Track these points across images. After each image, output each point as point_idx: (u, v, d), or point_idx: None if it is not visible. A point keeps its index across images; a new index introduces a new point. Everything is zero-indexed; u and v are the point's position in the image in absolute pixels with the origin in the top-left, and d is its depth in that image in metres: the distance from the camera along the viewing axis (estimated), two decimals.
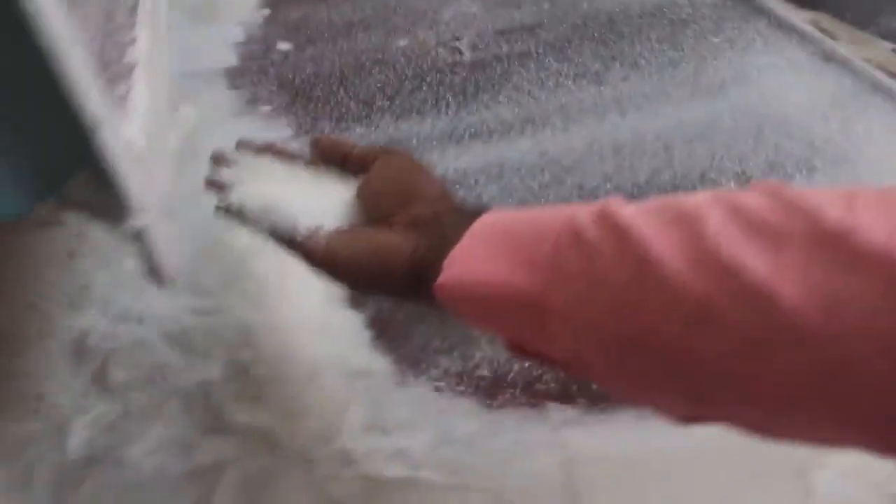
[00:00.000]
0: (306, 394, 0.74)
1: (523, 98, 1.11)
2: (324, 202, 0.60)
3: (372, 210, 0.56)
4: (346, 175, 0.61)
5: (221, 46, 1.28)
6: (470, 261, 0.48)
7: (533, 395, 0.71)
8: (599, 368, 0.43)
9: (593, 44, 1.21)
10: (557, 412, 0.71)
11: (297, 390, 0.74)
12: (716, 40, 1.19)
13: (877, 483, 0.68)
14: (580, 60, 1.17)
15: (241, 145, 0.68)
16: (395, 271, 0.52)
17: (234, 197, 0.62)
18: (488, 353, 0.76)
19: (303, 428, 0.71)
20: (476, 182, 0.97)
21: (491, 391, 0.71)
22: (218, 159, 0.66)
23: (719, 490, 0.66)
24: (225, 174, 0.65)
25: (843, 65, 1.13)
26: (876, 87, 1.09)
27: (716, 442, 0.67)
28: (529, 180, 0.97)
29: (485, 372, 0.74)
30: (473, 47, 1.22)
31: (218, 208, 0.62)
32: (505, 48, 1.22)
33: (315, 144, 0.65)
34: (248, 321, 0.81)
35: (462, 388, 0.72)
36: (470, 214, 0.50)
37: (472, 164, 1.00)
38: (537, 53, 1.19)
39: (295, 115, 1.13)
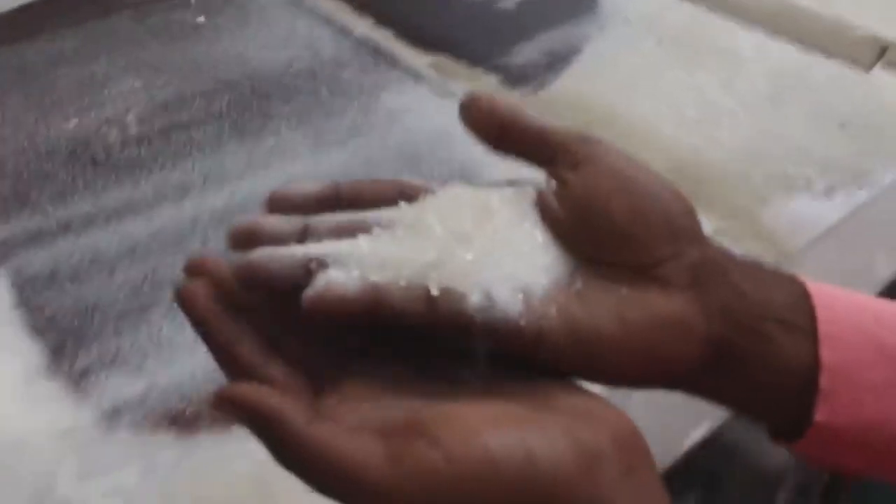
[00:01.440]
0: (16, 462, 0.82)
1: (191, 164, 1.24)
2: (510, 243, 0.38)
3: (602, 248, 0.38)
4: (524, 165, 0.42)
5: None
6: (863, 392, 0.36)
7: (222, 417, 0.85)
8: None
9: (242, 108, 1.36)
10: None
11: (6, 460, 0.82)
12: (351, 89, 1.40)
13: None
14: (234, 124, 1.32)
15: (277, 199, 0.47)
16: (687, 356, 0.37)
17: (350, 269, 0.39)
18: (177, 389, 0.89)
19: (15, 493, 0.79)
20: (161, 247, 1.09)
21: (182, 420, 0.84)
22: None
23: None
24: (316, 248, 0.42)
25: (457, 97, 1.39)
26: None
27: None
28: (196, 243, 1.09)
29: (175, 405, 0.86)
30: (140, 122, 1.32)
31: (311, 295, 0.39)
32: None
33: (468, 108, 0.46)
34: None
35: (159, 423, 0.84)
36: (763, 272, 0.40)
37: (163, 226, 1.12)
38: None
39: None
